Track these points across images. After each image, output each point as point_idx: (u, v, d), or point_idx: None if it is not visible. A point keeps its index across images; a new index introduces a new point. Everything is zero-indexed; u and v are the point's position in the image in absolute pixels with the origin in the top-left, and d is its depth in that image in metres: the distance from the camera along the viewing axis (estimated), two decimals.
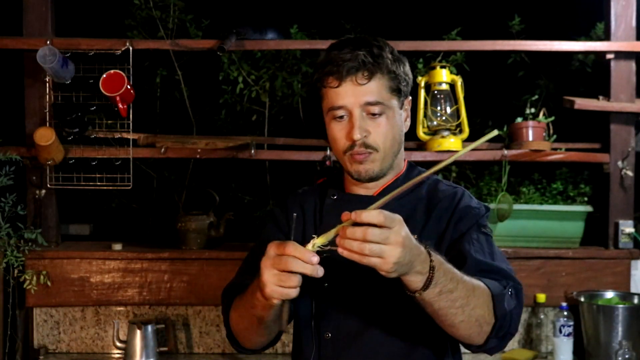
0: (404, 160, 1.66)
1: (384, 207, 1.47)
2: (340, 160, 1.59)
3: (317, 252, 1.28)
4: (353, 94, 1.51)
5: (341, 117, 1.54)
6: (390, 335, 1.54)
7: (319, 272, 1.27)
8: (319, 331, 1.58)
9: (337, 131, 1.55)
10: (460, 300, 1.34)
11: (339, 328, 1.56)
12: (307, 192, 1.73)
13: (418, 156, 2.76)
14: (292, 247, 1.27)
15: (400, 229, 1.22)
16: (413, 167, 1.67)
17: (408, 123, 1.64)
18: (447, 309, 1.33)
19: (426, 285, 1.29)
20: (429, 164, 2.95)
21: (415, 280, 1.28)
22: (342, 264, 1.48)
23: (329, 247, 1.28)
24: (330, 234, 1.27)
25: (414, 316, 1.50)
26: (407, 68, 1.60)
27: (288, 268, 1.27)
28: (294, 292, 1.29)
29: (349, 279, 1.53)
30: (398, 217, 1.23)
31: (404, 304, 1.47)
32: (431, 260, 1.28)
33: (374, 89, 1.52)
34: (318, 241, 1.28)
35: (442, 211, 1.57)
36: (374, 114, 1.53)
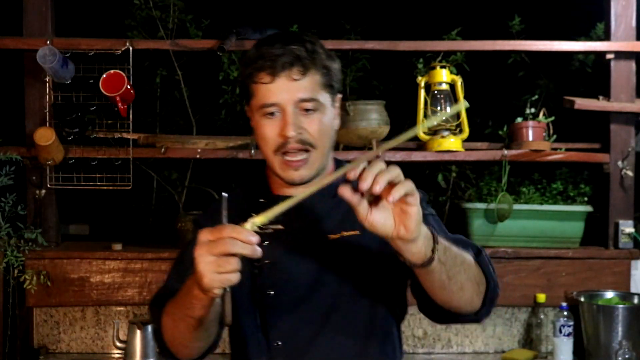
0: (332, 159, 1.59)
1: (322, 203, 1.45)
2: (269, 160, 1.50)
3: (256, 233, 1.19)
4: (287, 90, 1.45)
5: (272, 114, 1.46)
6: (344, 337, 1.49)
7: (258, 252, 1.19)
8: (267, 341, 1.51)
9: (269, 129, 1.47)
10: (459, 257, 1.30)
11: (290, 336, 1.50)
12: (231, 196, 1.62)
13: (418, 156, 2.75)
14: (229, 228, 1.18)
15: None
16: (342, 163, 1.60)
17: (338, 122, 1.57)
18: (453, 267, 1.29)
19: (435, 239, 1.24)
20: (429, 164, 2.99)
21: (428, 237, 1.23)
22: (287, 270, 1.46)
23: (271, 229, 1.21)
24: (271, 212, 1.20)
25: (364, 315, 1.49)
26: (339, 65, 1.55)
27: (225, 250, 1.17)
28: (234, 277, 1.18)
29: (295, 284, 1.48)
30: None
31: (353, 303, 1.48)
32: None
33: (307, 85, 1.46)
34: (257, 220, 1.20)
35: None
36: (307, 110, 1.46)
